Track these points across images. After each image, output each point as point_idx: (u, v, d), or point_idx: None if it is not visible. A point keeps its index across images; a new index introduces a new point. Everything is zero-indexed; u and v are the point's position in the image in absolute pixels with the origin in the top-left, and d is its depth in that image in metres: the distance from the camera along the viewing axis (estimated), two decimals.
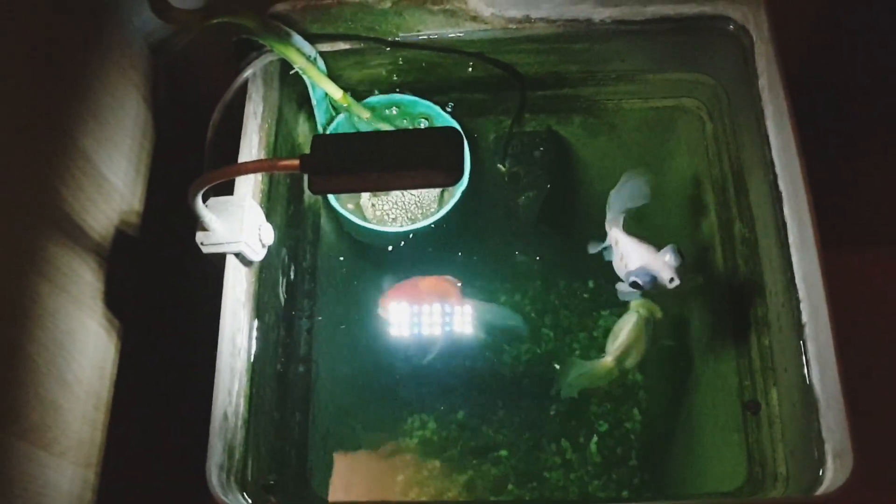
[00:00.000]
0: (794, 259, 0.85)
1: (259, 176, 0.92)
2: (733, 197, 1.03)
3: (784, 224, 0.88)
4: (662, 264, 0.92)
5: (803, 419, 0.83)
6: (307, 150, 1.05)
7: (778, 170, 0.89)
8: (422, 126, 1.09)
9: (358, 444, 1.16)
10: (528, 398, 1.25)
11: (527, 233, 1.17)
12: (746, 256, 1.00)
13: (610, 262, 1.01)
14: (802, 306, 0.84)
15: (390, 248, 1.11)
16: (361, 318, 1.13)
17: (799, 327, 0.84)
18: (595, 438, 1.25)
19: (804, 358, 0.83)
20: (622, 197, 1.01)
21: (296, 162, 0.70)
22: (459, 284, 1.09)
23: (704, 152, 1.09)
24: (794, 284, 0.85)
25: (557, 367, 1.19)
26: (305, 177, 0.70)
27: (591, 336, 1.29)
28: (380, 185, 0.73)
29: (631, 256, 0.95)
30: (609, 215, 1.01)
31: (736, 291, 1.02)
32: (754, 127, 0.95)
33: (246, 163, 0.80)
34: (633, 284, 0.93)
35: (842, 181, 1.17)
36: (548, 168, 1.15)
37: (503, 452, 1.19)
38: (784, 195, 0.88)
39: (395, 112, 1.08)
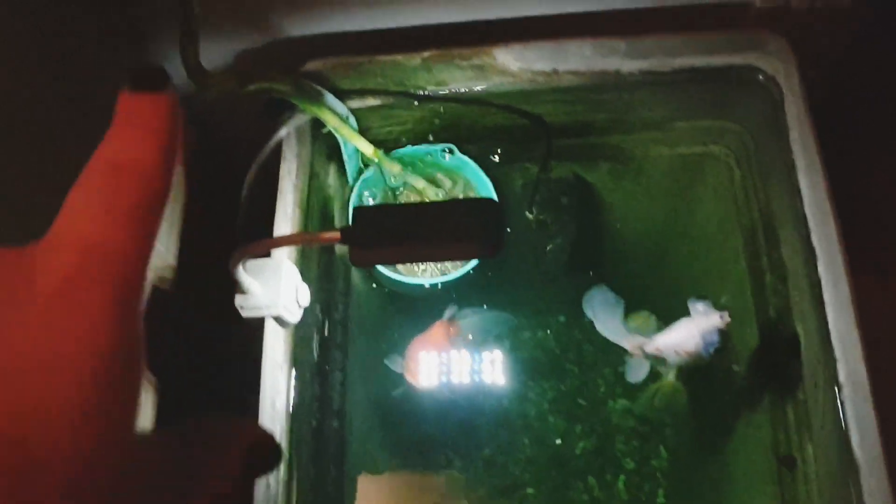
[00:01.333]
0: (830, 319, 0.85)
1: (293, 232, 0.93)
2: (763, 246, 1.03)
3: (818, 282, 0.87)
4: (708, 323, 0.93)
5: (842, 481, 0.83)
6: (337, 202, 1.07)
7: (811, 226, 0.89)
8: (449, 179, 1.10)
9: (387, 488, 1.16)
10: (554, 435, 1.25)
11: (556, 278, 1.18)
12: (779, 308, 1.00)
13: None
14: (839, 366, 0.84)
15: (419, 295, 1.11)
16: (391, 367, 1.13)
17: (836, 386, 0.84)
18: (622, 477, 1.25)
19: (842, 418, 0.83)
20: (606, 312, 1.02)
21: (337, 234, 0.70)
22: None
23: (733, 199, 1.09)
24: (830, 343, 0.85)
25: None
26: (348, 249, 0.71)
27: (617, 372, 1.29)
28: (419, 257, 0.73)
29: (680, 340, 0.95)
30: (614, 336, 1.01)
31: (767, 343, 1.02)
32: (785, 178, 0.95)
33: (287, 236, 0.80)
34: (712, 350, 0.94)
35: (867, 221, 1.17)
36: (575, 214, 1.15)
37: (530, 490, 1.19)
38: (818, 252, 0.88)
39: (426, 159, 1.09)
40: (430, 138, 1.09)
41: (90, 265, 0.27)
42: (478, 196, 1.08)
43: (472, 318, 1.13)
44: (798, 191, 0.92)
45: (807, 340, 0.92)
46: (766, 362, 1.02)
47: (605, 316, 1.02)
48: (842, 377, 0.83)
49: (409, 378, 1.07)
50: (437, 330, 1.09)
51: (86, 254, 0.27)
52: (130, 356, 0.27)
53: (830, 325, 0.85)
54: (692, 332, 0.95)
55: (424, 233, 0.70)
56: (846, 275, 0.84)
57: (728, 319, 0.94)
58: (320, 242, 0.70)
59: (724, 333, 0.96)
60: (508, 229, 1.08)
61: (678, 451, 1.28)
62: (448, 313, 1.11)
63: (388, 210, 0.76)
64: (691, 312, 0.97)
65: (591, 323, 1.22)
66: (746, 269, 1.06)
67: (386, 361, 1.11)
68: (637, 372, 1.03)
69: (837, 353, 0.84)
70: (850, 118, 1.20)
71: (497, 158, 1.12)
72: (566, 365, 1.30)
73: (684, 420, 1.22)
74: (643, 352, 1.00)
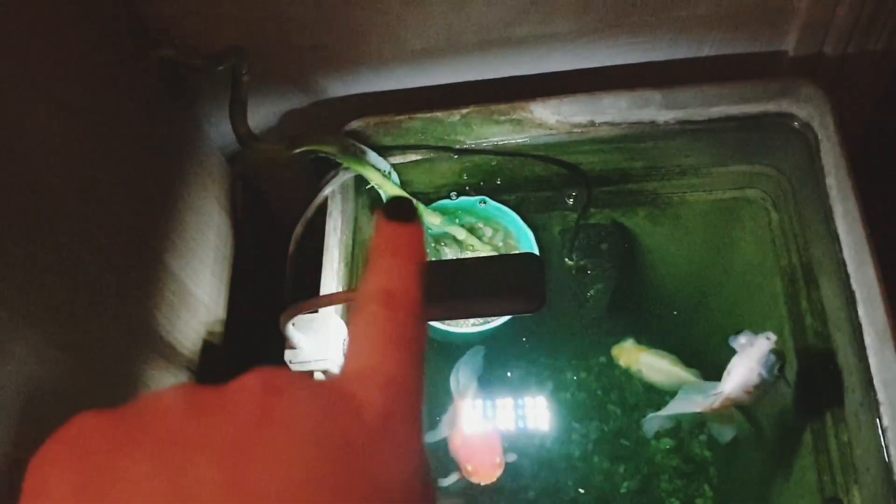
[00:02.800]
0: (872, 363, 0.86)
1: (339, 287, 0.95)
2: (803, 289, 1.04)
3: (859, 325, 0.88)
4: (759, 350, 0.94)
5: None
6: None
7: (850, 271, 0.90)
8: (489, 229, 1.12)
9: None
10: (599, 475, 1.26)
11: (597, 323, 1.19)
12: (820, 351, 1.00)
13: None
14: (882, 409, 0.84)
15: (461, 343, 1.13)
16: (432, 413, 1.15)
17: (880, 430, 0.84)
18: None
19: (887, 461, 0.83)
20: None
21: None
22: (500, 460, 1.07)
23: (771, 243, 1.10)
24: (873, 386, 0.85)
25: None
26: None
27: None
28: (464, 314, 0.75)
29: (743, 378, 0.96)
30: (687, 408, 1.02)
31: (809, 385, 1.02)
32: (823, 222, 0.96)
33: (334, 294, 0.83)
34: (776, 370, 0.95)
35: None
36: (614, 260, 1.16)
37: None
38: (858, 297, 0.89)
39: (464, 210, 1.11)
40: (468, 189, 1.12)
41: (399, 401, 0.30)
42: (517, 244, 1.10)
43: (467, 374, 1.12)
44: (836, 236, 0.93)
45: (848, 383, 0.93)
46: (808, 403, 1.02)
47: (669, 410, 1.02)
48: (886, 420, 0.83)
49: (469, 476, 1.06)
50: (463, 411, 1.08)
51: (393, 391, 0.30)
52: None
53: (872, 369, 0.85)
54: (749, 364, 0.95)
55: (467, 289, 0.72)
56: (887, 317, 0.85)
57: (774, 337, 0.95)
58: None
59: (777, 352, 0.96)
60: (548, 278, 1.10)
61: (722, 489, 1.28)
62: (455, 385, 1.10)
63: (431, 266, 0.78)
64: (737, 349, 0.97)
65: None
66: (786, 312, 1.06)
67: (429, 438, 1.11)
68: (724, 433, 1.03)
69: (880, 396, 0.84)
70: (889, 161, 1.20)
71: (535, 205, 1.15)
72: (608, 406, 1.31)
73: (731, 455, 1.22)
74: (719, 409, 0.99)
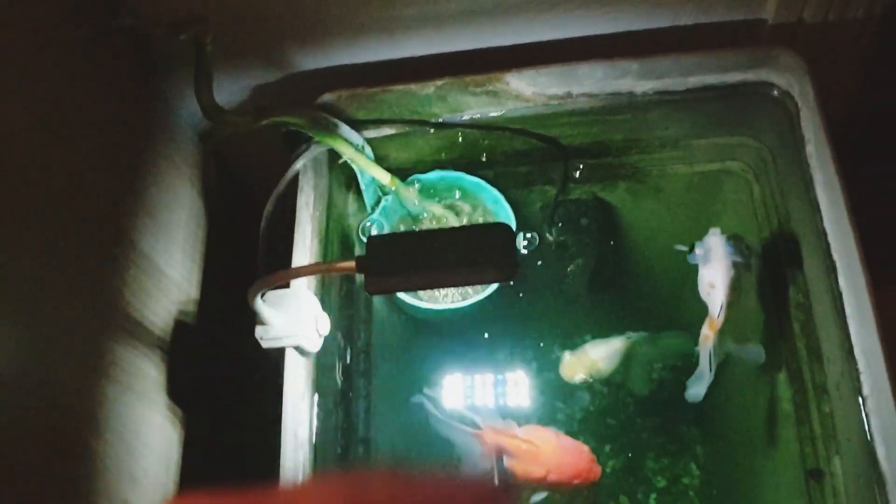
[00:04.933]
0: (852, 331, 0.84)
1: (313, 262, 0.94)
2: (785, 261, 1.03)
3: (840, 294, 0.87)
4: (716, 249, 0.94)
5: (868, 493, 0.82)
6: (357, 230, 1.08)
7: (831, 240, 0.89)
8: (468, 203, 1.10)
9: None
10: None
11: (578, 298, 1.18)
12: (802, 322, 0.99)
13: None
14: (863, 378, 0.83)
15: (442, 320, 1.12)
16: (416, 392, 1.13)
17: (860, 399, 0.83)
18: (654, 495, 1.25)
19: (867, 431, 0.82)
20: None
21: (352, 264, 0.71)
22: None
23: (753, 215, 1.09)
24: (853, 355, 0.84)
25: None
26: (363, 277, 0.71)
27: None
28: (434, 284, 0.74)
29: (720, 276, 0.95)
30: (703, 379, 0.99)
31: (792, 357, 1.01)
32: (803, 192, 0.95)
33: (303, 266, 0.81)
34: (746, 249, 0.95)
35: (888, 234, 1.16)
36: (595, 235, 1.15)
37: None
38: (838, 266, 0.87)
39: (441, 184, 1.10)
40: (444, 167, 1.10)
41: None
42: (496, 220, 1.08)
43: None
44: (817, 205, 0.92)
45: (830, 353, 0.92)
46: (790, 376, 1.01)
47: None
48: (866, 389, 0.82)
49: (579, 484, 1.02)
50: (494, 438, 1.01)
51: None
52: None
53: (853, 338, 0.84)
54: (720, 263, 0.95)
55: (438, 259, 0.71)
56: (867, 287, 0.83)
57: (717, 228, 0.95)
58: (336, 272, 0.72)
59: (731, 236, 0.96)
60: (527, 251, 1.08)
61: (708, 468, 1.27)
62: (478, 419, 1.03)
63: (402, 238, 0.77)
64: (699, 262, 0.97)
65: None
66: (768, 284, 1.05)
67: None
68: (754, 353, 1.02)
69: (861, 365, 0.83)
70: (869, 130, 1.19)
71: (514, 181, 1.13)
72: (595, 385, 1.30)
73: (716, 432, 1.21)
74: (714, 331, 0.97)
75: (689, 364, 1.01)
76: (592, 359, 1.11)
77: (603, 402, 1.32)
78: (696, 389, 1.00)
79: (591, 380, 1.11)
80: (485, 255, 0.71)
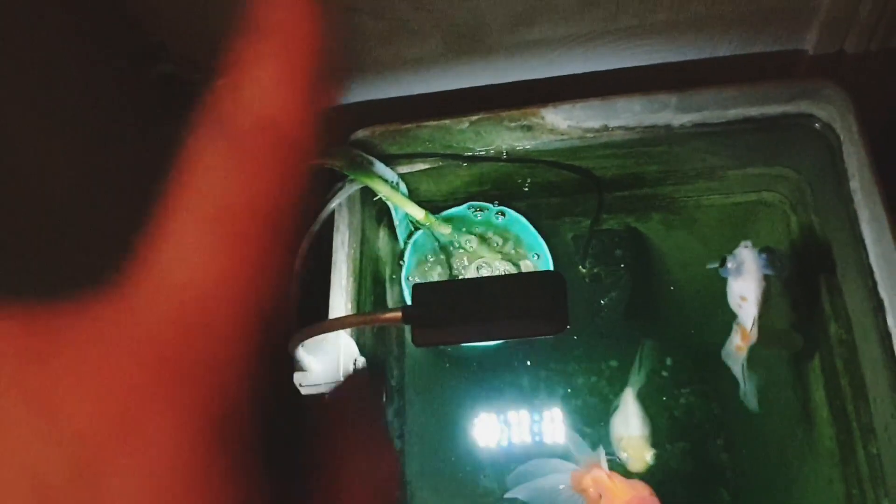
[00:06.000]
0: None
1: (348, 305, 0.92)
2: (826, 296, 1.01)
3: (888, 334, 0.85)
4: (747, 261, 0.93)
5: None
6: (388, 265, 1.07)
7: (878, 278, 0.87)
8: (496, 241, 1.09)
9: None
10: None
11: (612, 332, 1.16)
12: (845, 359, 0.97)
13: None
14: None
15: (474, 356, 1.10)
16: (450, 429, 1.12)
17: None
18: None
19: None
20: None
21: (398, 315, 0.69)
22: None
23: (790, 247, 1.07)
24: None
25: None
26: (409, 329, 0.70)
27: (673, 416, 1.27)
28: (483, 337, 0.72)
29: (752, 289, 0.94)
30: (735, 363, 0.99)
31: (835, 395, 0.99)
32: (846, 227, 0.93)
33: (347, 317, 0.79)
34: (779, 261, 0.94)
35: None
36: (629, 266, 1.13)
37: None
38: (887, 304, 0.85)
39: (476, 217, 1.08)
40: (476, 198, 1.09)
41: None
42: (528, 252, 1.07)
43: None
44: (862, 241, 0.90)
45: (876, 392, 0.90)
46: (833, 413, 0.99)
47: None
48: None
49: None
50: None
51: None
52: None
53: None
54: (751, 276, 0.94)
55: (488, 310, 0.69)
56: None
57: (748, 242, 0.94)
58: (380, 323, 0.70)
59: (763, 248, 0.95)
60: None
61: (741, 495, 1.25)
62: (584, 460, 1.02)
63: (449, 287, 0.75)
64: (730, 276, 0.96)
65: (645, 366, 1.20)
66: (809, 317, 1.03)
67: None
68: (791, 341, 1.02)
69: None
70: None
71: (547, 212, 1.11)
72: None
73: (750, 460, 1.20)
74: (745, 330, 0.96)
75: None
76: (635, 435, 1.09)
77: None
78: (751, 400, 1.00)
79: (654, 450, 1.09)
80: (535, 307, 0.69)
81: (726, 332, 1.08)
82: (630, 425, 1.10)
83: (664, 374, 1.27)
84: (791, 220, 1.08)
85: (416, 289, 0.71)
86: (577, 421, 1.23)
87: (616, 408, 1.13)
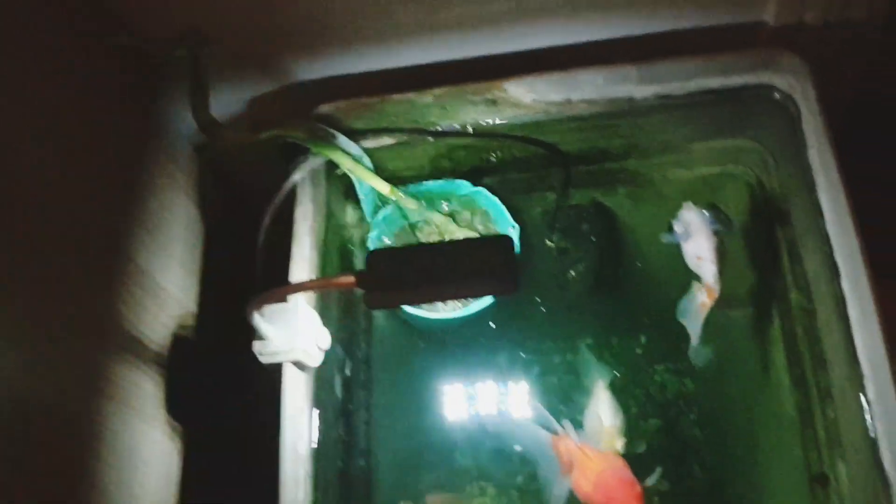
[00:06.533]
0: (856, 336, 0.84)
1: (312, 276, 0.93)
2: (787, 265, 1.02)
3: (843, 299, 0.86)
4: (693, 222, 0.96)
5: (874, 497, 0.81)
6: (356, 241, 1.07)
7: (834, 244, 0.88)
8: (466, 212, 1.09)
9: None
10: None
11: (580, 304, 1.16)
12: (805, 326, 0.98)
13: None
14: (867, 384, 0.82)
15: (442, 329, 1.11)
16: (417, 403, 1.12)
17: (865, 404, 0.82)
18: (657, 499, 1.23)
19: (873, 437, 0.81)
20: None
21: (352, 279, 0.70)
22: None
23: (754, 218, 1.08)
24: (857, 360, 0.83)
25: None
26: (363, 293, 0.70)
27: (648, 393, 1.28)
28: (435, 298, 0.73)
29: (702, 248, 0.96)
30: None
31: (796, 362, 1.00)
32: (806, 196, 0.94)
33: (303, 282, 0.80)
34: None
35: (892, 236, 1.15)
36: (596, 240, 1.14)
37: None
38: (842, 270, 0.86)
39: (441, 193, 1.09)
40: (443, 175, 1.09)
41: None
42: (496, 227, 1.07)
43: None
44: (819, 208, 0.91)
45: (833, 357, 0.91)
46: (795, 381, 1.00)
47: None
48: (870, 394, 0.81)
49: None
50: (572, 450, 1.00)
51: None
52: None
53: (857, 342, 0.83)
54: (701, 235, 0.96)
55: (439, 273, 0.70)
56: (870, 291, 0.83)
57: (689, 202, 0.97)
58: (335, 288, 0.71)
59: (705, 206, 0.97)
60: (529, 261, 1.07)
61: (714, 470, 1.26)
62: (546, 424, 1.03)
63: (403, 252, 0.76)
64: (680, 240, 0.98)
65: (619, 344, 1.21)
66: (772, 287, 1.04)
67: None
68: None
69: (865, 369, 0.82)
70: (873, 132, 1.18)
71: (514, 188, 1.12)
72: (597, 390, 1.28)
73: (720, 435, 1.20)
74: (710, 288, 0.97)
75: None
76: (607, 426, 1.09)
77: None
78: (698, 358, 1.02)
79: (624, 439, 1.09)
80: (485, 268, 0.70)
81: None
82: (603, 417, 1.11)
83: (638, 351, 1.27)
84: (755, 193, 1.09)
85: (371, 255, 0.72)
86: (549, 399, 1.24)
87: (588, 401, 1.13)
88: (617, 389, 1.28)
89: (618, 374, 1.21)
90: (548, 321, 1.27)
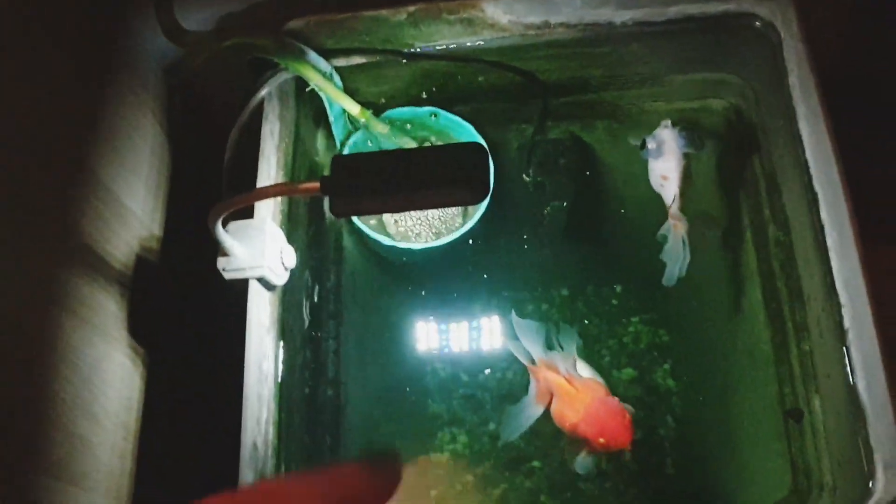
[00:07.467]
0: (834, 263, 0.83)
1: (279, 197, 0.90)
2: (766, 199, 1.01)
3: (821, 227, 0.84)
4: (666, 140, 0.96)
5: (850, 428, 0.80)
6: (326, 169, 1.05)
7: (813, 171, 0.86)
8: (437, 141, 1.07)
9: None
10: None
11: (554, 242, 1.15)
12: (782, 261, 0.97)
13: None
14: (844, 311, 0.81)
15: (414, 261, 1.09)
16: (388, 335, 1.11)
17: (841, 333, 0.81)
18: (629, 449, 1.22)
19: (848, 365, 0.80)
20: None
21: (316, 185, 0.68)
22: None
23: (734, 153, 1.06)
24: (835, 289, 0.82)
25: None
26: (326, 199, 0.68)
27: (622, 342, 1.27)
28: (403, 206, 0.71)
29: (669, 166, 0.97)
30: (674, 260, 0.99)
31: (772, 297, 0.99)
32: (786, 126, 0.92)
33: (265, 187, 0.78)
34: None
35: (875, 176, 1.13)
36: (573, 176, 1.12)
37: (536, 463, 1.16)
38: (820, 197, 0.85)
39: (415, 120, 1.06)
40: (424, 96, 1.07)
41: None
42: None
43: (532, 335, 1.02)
44: (799, 137, 0.89)
45: (810, 290, 0.90)
46: (770, 316, 0.99)
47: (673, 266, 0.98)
48: (847, 322, 0.80)
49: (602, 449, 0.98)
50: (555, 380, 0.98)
51: None
52: None
53: (835, 271, 0.82)
54: (671, 153, 0.96)
55: (408, 180, 0.67)
56: (849, 218, 0.81)
57: (667, 120, 0.97)
58: (300, 194, 0.68)
59: (680, 125, 0.98)
60: (493, 175, 1.05)
61: (685, 419, 1.25)
62: (527, 352, 1.01)
63: (370, 158, 0.73)
64: (651, 156, 0.98)
65: (594, 294, 1.19)
66: (749, 222, 1.03)
67: None
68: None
69: (842, 298, 0.81)
70: (861, 77, 1.16)
71: (491, 119, 1.10)
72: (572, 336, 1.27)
73: (694, 383, 1.20)
74: (677, 216, 0.96)
75: None
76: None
77: (579, 354, 1.30)
78: (672, 269, 0.99)
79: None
80: (456, 176, 0.67)
81: None
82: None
83: (614, 301, 1.26)
84: (735, 127, 1.07)
85: (336, 159, 0.69)
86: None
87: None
88: (591, 339, 1.28)
89: (591, 325, 1.20)
90: (521, 257, 1.26)
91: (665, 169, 0.96)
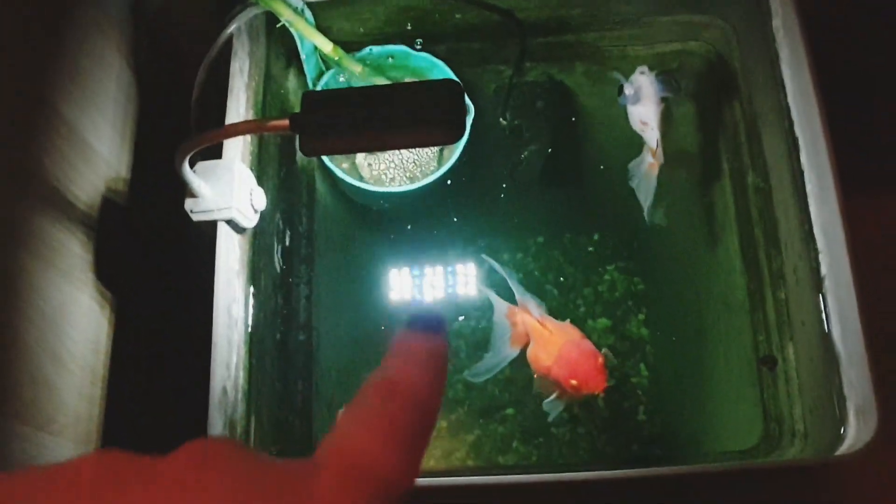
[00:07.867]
0: (812, 209, 0.82)
1: (248, 137, 0.88)
2: (745, 145, 0.99)
3: (801, 172, 0.84)
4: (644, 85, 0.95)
5: (823, 375, 0.80)
6: (298, 109, 1.02)
7: (794, 116, 0.85)
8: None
9: None
10: None
11: (530, 187, 1.13)
12: (760, 207, 0.96)
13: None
14: (821, 258, 0.80)
15: (388, 206, 1.07)
16: (361, 281, 1.09)
17: (818, 280, 0.81)
18: (601, 395, 1.22)
19: (824, 312, 0.80)
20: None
21: (285, 122, 0.65)
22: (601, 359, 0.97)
23: (714, 98, 1.05)
24: (812, 236, 0.82)
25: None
26: (297, 138, 0.66)
27: (597, 291, 1.26)
28: (376, 145, 0.69)
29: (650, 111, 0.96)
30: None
31: (749, 245, 0.98)
32: (768, 71, 0.91)
33: (234, 124, 0.75)
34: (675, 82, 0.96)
35: (858, 122, 1.12)
36: (551, 120, 1.10)
37: (510, 411, 1.17)
38: (801, 142, 0.84)
39: (390, 60, 1.04)
40: (400, 34, 1.04)
41: (358, 486, 0.28)
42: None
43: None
44: (781, 81, 0.88)
45: (788, 237, 0.89)
46: (746, 264, 0.99)
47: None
48: (824, 269, 0.80)
49: (575, 393, 0.97)
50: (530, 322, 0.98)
51: (353, 475, 0.28)
52: None
53: (813, 216, 0.81)
54: (650, 99, 0.95)
55: (381, 118, 0.65)
56: (829, 163, 0.80)
57: (644, 67, 0.96)
58: (268, 132, 0.66)
59: (658, 72, 0.96)
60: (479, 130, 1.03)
61: (658, 367, 1.26)
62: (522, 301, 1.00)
63: (342, 94, 0.71)
64: (629, 102, 0.97)
65: (571, 242, 1.18)
66: (728, 167, 1.02)
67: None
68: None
69: (819, 243, 0.80)
70: (854, 72, 1.15)
71: (468, 59, 1.07)
72: (545, 286, 1.26)
73: (666, 329, 1.19)
74: (654, 151, 0.96)
75: None
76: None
77: (554, 303, 1.29)
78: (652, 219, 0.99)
79: None
80: (431, 114, 0.65)
81: None
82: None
83: (590, 249, 1.25)
84: (716, 72, 1.05)
85: (306, 96, 0.67)
86: (499, 289, 1.22)
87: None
88: (566, 289, 1.27)
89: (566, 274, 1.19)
90: (497, 202, 1.24)
91: (644, 114, 0.95)
